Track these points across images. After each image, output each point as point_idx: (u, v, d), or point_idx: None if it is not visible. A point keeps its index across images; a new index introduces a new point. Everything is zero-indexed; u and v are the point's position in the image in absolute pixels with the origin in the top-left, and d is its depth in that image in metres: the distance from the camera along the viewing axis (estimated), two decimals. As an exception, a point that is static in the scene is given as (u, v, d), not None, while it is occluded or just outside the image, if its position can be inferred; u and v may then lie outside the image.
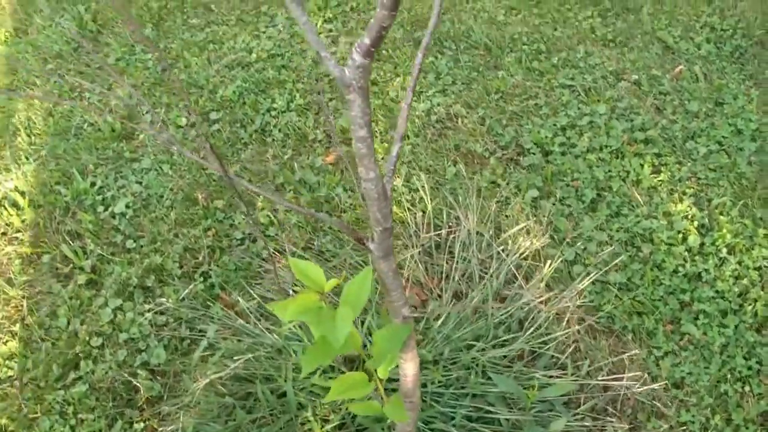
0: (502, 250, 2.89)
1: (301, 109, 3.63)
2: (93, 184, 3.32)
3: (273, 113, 3.60)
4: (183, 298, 2.81)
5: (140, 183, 3.32)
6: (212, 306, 2.77)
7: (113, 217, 3.17)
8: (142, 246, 3.03)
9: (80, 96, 3.88)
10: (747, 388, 2.63)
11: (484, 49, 4.02)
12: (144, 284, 2.89)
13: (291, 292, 2.72)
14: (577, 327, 2.73)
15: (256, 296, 2.76)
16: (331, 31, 4.13)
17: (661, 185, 3.30)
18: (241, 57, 3.94)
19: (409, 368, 1.82)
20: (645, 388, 2.60)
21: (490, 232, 2.98)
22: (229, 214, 3.13)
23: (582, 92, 3.76)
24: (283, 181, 3.27)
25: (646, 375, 2.65)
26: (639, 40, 4.18)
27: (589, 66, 3.94)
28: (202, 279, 2.89)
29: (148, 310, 2.78)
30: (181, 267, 2.94)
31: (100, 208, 3.20)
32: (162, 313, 2.77)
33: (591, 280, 2.82)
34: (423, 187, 3.17)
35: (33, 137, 3.65)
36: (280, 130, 3.51)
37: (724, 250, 3.04)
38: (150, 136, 3.51)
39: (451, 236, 2.97)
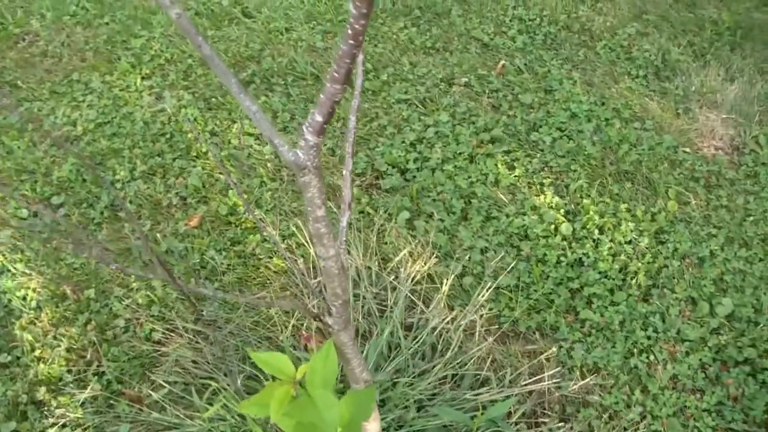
0: (394, 279, 2.96)
1: (146, 175, 3.56)
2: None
3: (118, 186, 3.51)
4: (83, 403, 2.70)
5: (-5, 290, 3.15)
6: (117, 404, 2.69)
7: (-24, 334, 3.00)
8: (19, 358, 2.89)
9: None
10: (652, 357, 2.84)
11: (313, 78, 4.07)
12: (35, 399, 2.75)
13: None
14: (489, 339, 2.84)
15: (163, 383, 2.70)
16: (152, 87, 4.05)
17: (519, 181, 3.48)
18: (66, 132, 3.81)
19: (373, 428, 1.86)
20: (565, 382, 2.75)
21: (377, 264, 3.04)
22: (104, 302, 3.04)
23: (419, 104, 3.90)
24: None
25: (563, 369, 2.80)
26: (457, 43, 4.37)
27: (419, 77, 4.09)
28: (97, 378, 2.79)
29: (51, 425, 2.66)
30: (70, 371, 2.83)
31: (-41, 326, 3.02)
32: (65, 426, 2.66)
33: (486, 290, 2.94)
34: (295, 231, 3.20)
35: None
36: (131, 202, 3.42)
37: (596, 231, 3.25)
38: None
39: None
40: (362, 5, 1.02)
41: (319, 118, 1.20)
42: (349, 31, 1.06)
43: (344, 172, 1.58)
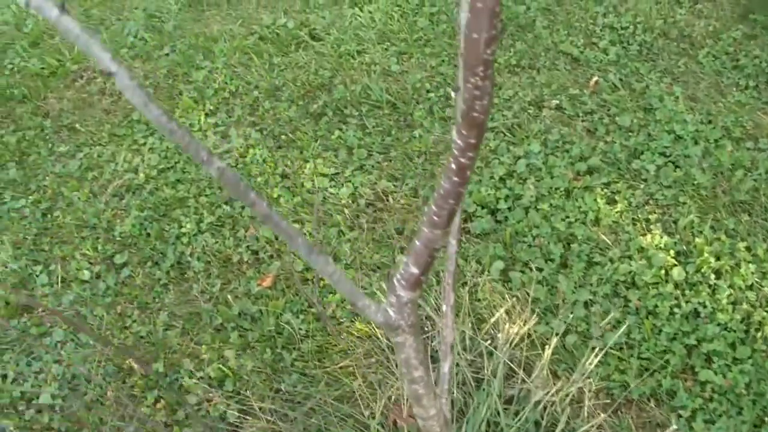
0: (490, 343, 2.71)
1: (214, 227, 3.35)
2: (4, 377, 2.97)
3: (184, 240, 3.31)
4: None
5: (59, 362, 2.98)
6: (192, 497, 2.49)
7: (39, 413, 2.83)
8: (85, 443, 2.71)
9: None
10: (788, 428, 2.54)
11: (389, 107, 3.83)
12: (104, 489, 2.58)
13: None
14: (601, 416, 2.57)
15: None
16: (217, 125, 3.86)
17: (621, 217, 3.20)
18: (128, 180, 3.63)
19: None
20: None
21: (471, 326, 2.79)
22: (174, 376, 2.85)
23: (507, 132, 3.63)
24: (222, 320, 3.00)
25: (687, 447, 2.52)
26: (544, 59, 4.08)
27: (505, 100, 3.81)
28: (168, 466, 2.60)
29: None
30: (140, 458, 2.64)
31: (22, 406, 2.85)
32: None
33: (594, 354, 2.67)
34: (379, 290, 2.97)
35: None
36: (198, 259, 3.23)
37: (712, 276, 2.95)
38: (53, 296, 3.18)
39: (430, 342, 2.77)
40: (469, 134, 0.79)
41: (414, 270, 0.98)
42: (453, 166, 0.83)
43: (444, 308, 1.34)
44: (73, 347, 3.02)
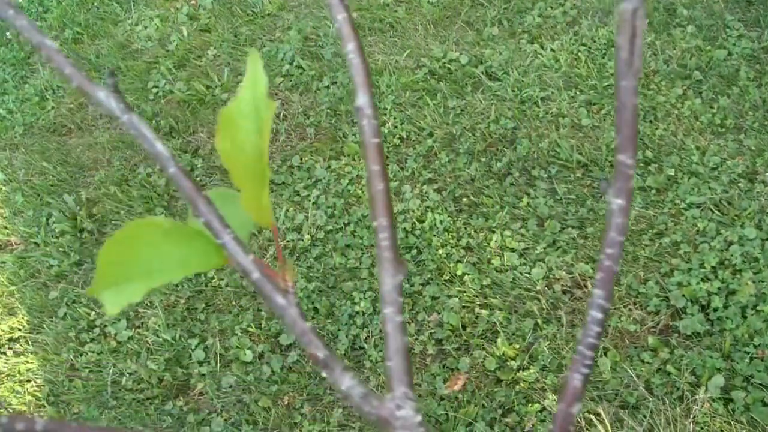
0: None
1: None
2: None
3: (358, 321, 3.22)
4: None
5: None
6: None
7: None
8: None
9: (104, 333, 3.46)
10: None
11: (581, 169, 3.67)
12: None
13: None
14: None
15: None
16: (389, 179, 3.74)
17: None
18: (292, 242, 3.55)
19: None
20: None
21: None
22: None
23: (715, 209, 3.45)
24: (405, 423, 2.90)
25: None
26: (752, 119, 3.86)
27: (711, 169, 3.63)
28: None
29: None
30: None
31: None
32: None
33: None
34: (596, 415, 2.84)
35: (59, 405, 3.24)
36: (375, 346, 3.14)
37: None
38: (210, 377, 3.12)
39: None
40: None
41: None
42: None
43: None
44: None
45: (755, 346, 3.00)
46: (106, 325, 3.47)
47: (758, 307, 3.10)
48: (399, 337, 0.45)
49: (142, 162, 4.14)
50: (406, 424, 0.42)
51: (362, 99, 0.48)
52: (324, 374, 0.46)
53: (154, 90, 4.53)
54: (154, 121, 4.28)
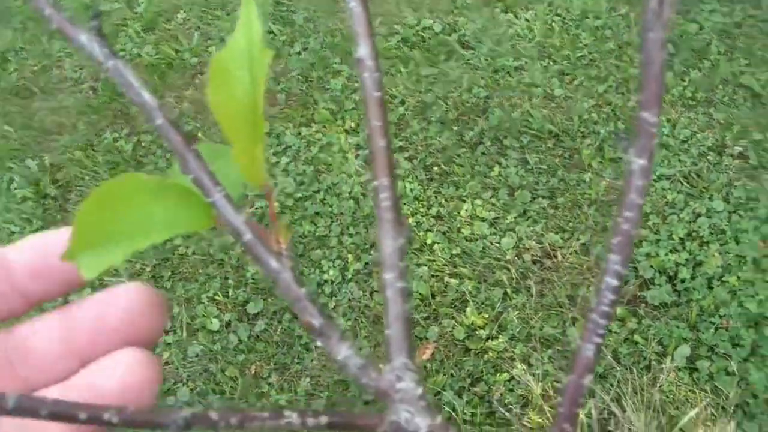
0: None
1: (361, 275, 3.28)
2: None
3: (327, 290, 3.24)
4: None
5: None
6: None
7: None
8: None
9: (66, 302, 3.45)
10: None
11: (553, 139, 3.71)
12: None
13: None
14: None
15: None
16: (359, 146, 3.76)
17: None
18: (261, 209, 3.55)
19: None
20: None
21: (658, 429, 2.71)
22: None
23: (684, 181, 3.50)
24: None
25: None
26: (721, 93, 3.91)
27: (681, 142, 3.68)
28: None
29: None
30: None
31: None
32: None
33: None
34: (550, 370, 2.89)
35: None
36: (344, 315, 3.16)
37: None
38: (177, 347, 3.14)
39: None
40: None
41: None
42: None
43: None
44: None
45: (720, 317, 3.06)
46: (68, 294, 3.46)
47: (724, 278, 3.16)
48: (400, 304, 0.44)
49: (109, 127, 4.11)
50: (406, 397, 0.42)
51: (363, 50, 0.47)
52: (319, 343, 0.45)
53: (122, 53, 4.49)
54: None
